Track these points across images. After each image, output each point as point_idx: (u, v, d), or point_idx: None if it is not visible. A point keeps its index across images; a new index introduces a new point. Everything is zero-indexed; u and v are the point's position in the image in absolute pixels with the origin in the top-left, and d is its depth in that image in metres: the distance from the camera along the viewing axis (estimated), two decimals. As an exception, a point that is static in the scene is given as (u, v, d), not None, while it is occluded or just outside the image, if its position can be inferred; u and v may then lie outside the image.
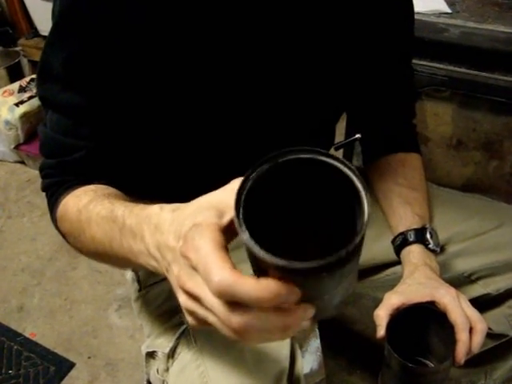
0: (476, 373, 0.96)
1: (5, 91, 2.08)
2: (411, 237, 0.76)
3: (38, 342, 1.45)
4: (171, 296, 0.76)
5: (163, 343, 0.72)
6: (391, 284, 0.89)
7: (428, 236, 0.76)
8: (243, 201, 0.35)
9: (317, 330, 1.13)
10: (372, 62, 0.74)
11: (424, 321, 0.72)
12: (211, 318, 0.37)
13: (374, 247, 0.85)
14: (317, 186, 0.37)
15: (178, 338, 0.70)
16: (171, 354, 0.70)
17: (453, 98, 1.33)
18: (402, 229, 0.78)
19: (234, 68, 0.61)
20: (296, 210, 0.40)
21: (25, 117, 2.02)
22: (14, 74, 2.20)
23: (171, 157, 0.69)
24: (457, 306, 0.67)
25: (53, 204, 0.64)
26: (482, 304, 0.84)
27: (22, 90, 2.09)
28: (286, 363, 0.65)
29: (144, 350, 0.75)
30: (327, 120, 0.80)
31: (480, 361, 0.94)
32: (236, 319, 0.34)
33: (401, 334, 0.69)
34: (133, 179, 0.66)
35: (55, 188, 0.65)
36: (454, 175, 1.45)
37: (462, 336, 0.65)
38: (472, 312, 0.68)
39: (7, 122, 2.01)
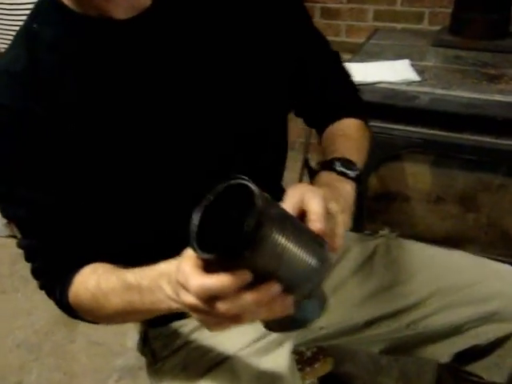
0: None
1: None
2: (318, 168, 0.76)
3: (39, 418, 1.45)
4: (187, 366, 0.81)
5: None
6: (385, 338, 0.94)
7: (337, 162, 0.74)
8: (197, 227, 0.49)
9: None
10: (286, 58, 0.78)
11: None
12: (208, 320, 0.51)
13: (368, 303, 0.90)
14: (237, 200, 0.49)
15: None
16: None
17: (428, 158, 1.43)
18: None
19: (161, 119, 0.68)
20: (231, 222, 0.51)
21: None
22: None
23: (132, 207, 0.72)
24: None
25: (60, 293, 0.71)
26: (474, 354, 0.89)
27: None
28: None
29: None
30: (272, 128, 0.82)
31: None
32: (222, 306, 0.47)
33: None
34: (106, 244, 0.72)
35: (51, 278, 0.73)
36: (434, 229, 1.53)
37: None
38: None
39: None
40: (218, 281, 0.46)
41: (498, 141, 1.31)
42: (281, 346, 0.84)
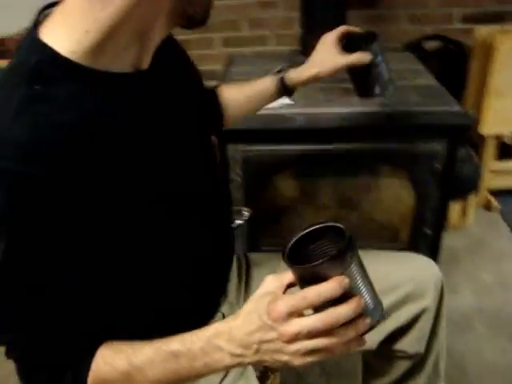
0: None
1: None
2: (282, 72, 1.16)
3: None
4: None
5: None
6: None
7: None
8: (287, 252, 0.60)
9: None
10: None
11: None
12: (322, 342, 0.56)
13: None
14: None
15: None
16: None
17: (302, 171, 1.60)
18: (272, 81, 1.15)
19: (170, 175, 0.72)
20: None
21: None
22: None
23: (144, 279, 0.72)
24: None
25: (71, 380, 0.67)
26: (397, 334, 1.02)
27: None
28: None
29: None
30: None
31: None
32: (344, 311, 0.56)
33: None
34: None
35: (58, 371, 0.67)
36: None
37: None
38: None
39: None
40: (330, 286, 0.54)
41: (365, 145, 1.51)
42: (244, 373, 0.90)
